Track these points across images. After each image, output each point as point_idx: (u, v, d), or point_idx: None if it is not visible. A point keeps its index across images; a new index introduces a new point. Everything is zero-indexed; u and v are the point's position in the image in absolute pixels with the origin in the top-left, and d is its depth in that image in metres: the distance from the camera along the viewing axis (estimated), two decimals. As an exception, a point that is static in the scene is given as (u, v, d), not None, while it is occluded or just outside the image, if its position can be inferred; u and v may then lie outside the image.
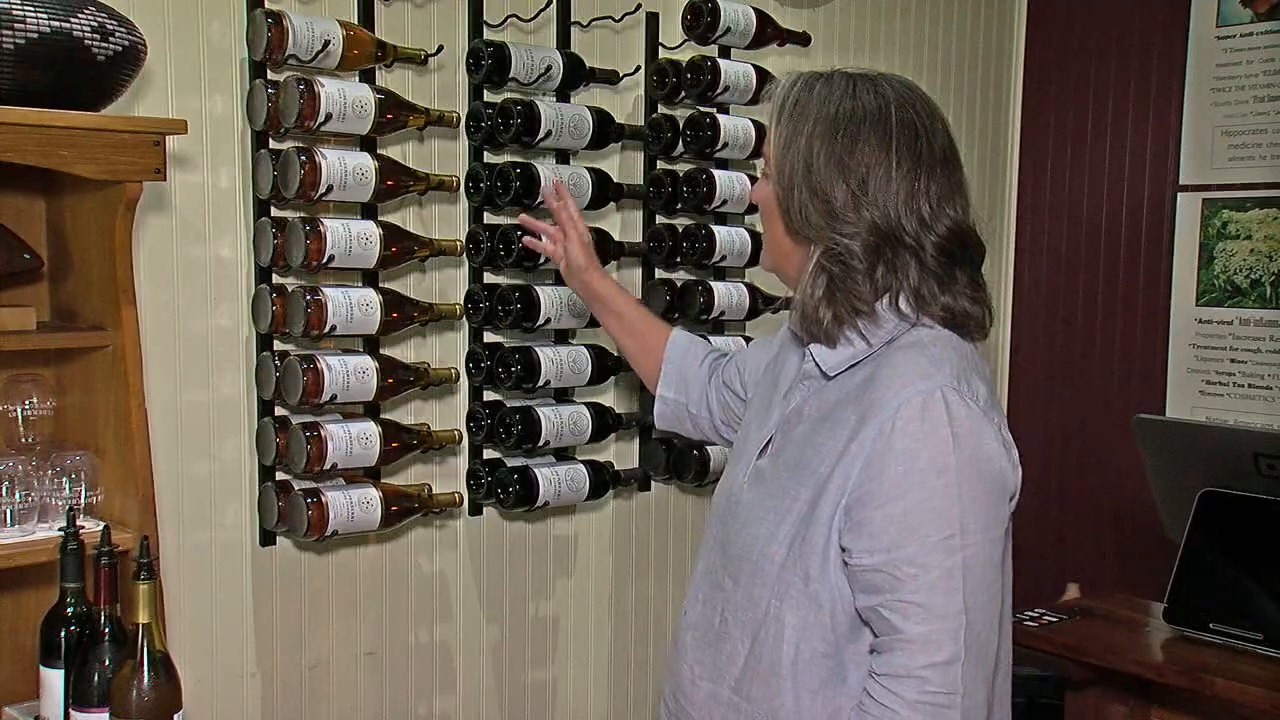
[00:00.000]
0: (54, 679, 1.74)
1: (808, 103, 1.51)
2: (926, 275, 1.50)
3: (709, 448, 2.76)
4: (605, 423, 2.62)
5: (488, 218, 2.54)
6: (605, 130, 2.56)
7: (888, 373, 1.47)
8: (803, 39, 2.89)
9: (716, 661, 1.57)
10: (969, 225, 1.53)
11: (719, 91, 2.71)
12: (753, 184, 2.14)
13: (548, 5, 2.58)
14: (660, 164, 2.78)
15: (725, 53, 2.81)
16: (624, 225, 2.78)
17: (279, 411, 2.30)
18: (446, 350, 2.55)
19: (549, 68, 2.48)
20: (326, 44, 2.19)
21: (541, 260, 2.46)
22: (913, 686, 1.40)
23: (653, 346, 2.02)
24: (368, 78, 2.31)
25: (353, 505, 2.26)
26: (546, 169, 2.48)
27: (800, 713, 1.49)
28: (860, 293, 1.49)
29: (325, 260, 2.18)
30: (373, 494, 2.30)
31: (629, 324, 2.06)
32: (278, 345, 2.29)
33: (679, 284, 2.74)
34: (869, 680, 1.45)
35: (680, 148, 2.72)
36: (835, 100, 1.49)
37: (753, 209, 2.72)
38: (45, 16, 1.65)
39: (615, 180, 2.63)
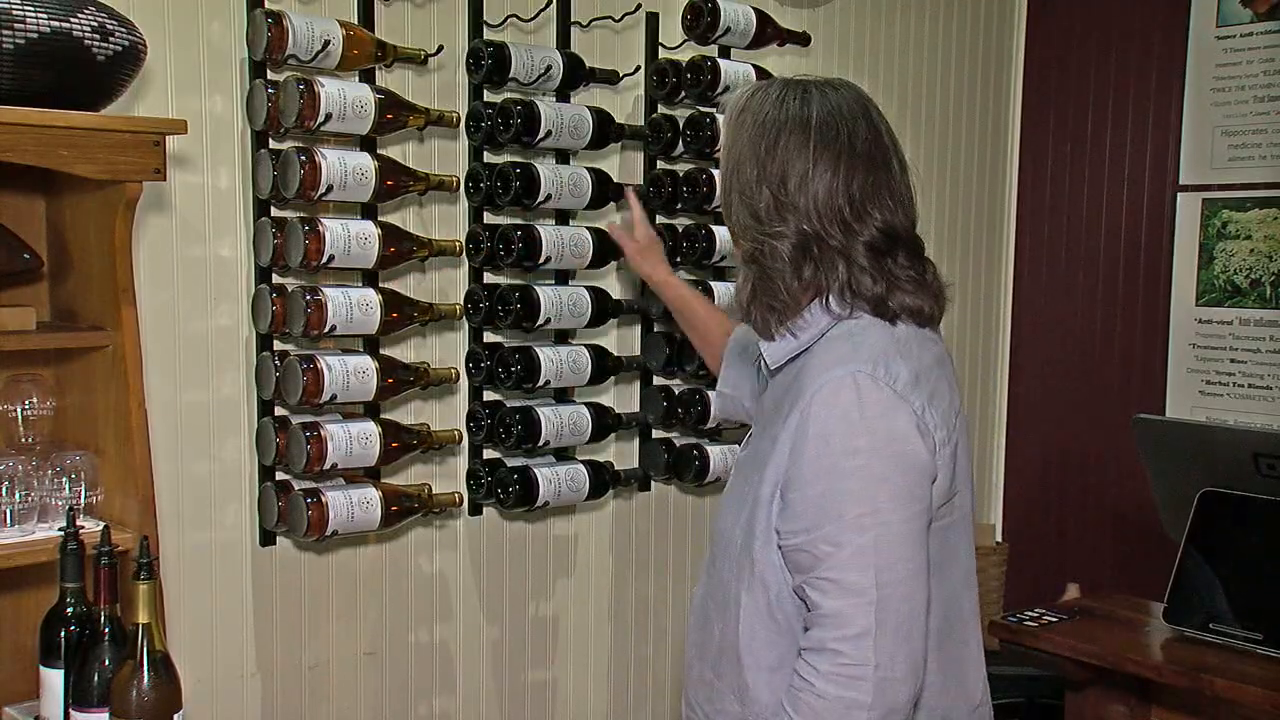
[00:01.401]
0: (54, 679, 1.73)
1: (743, 113, 1.59)
2: (857, 272, 1.55)
3: (708, 448, 2.77)
4: (605, 423, 2.62)
5: (487, 218, 2.54)
6: (605, 130, 2.56)
7: (813, 363, 1.54)
8: (803, 39, 2.89)
9: (704, 643, 1.66)
10: (900, 223, 1.57)
11: (719, 92, 2.71)
12: None
13: (548, 5, 2.58)
14: (660, 164, 2.78)
15: (725, 53, 2.81)
16: (624, 225, 2.77)
17: (279, 411, 2.30)
18: (446, 350, 2.55)
19: (549, 68, 2.48)
20: (326, 44, 2.19)
21: (542, 260, 2.47)
22: (827, 659, 1.45)
23: (715, 341, 2.18)
24: (368, 78, 2.31)
25: (353, 505, 2.26)
26: (546, 169, 2.48)
27: (759, 690, 1.56)
28: (779, 291, 1.56)
29: (324, 260, 2.18)
30: (372, 494, 2.30)
31: (696, 320, 2.29)
32: (278, 345, 2.29)
33: (679, 284, 2.74)
34: (796, 657, 1.51)
35: (680, 148, 2.72)
36: (765, 108, 1.57)
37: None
38: (45, 16, 1.65)
39: (615, 180, 2.63)
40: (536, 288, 2.50)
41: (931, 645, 1.54)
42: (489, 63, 2.43)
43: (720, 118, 2.71)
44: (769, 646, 1.56)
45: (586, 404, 2.61)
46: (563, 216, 2.60)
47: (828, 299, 1.55)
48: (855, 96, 1.59)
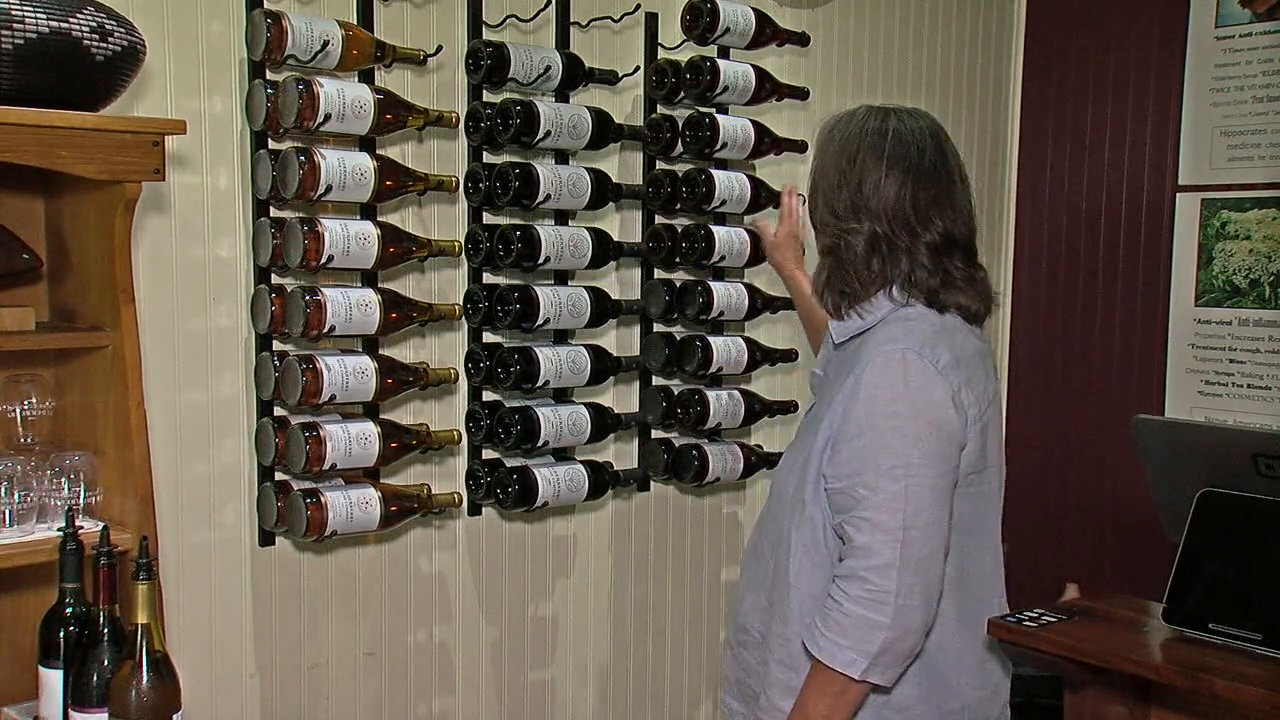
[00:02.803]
0: (53, 679, 1.74)
1: (833, 131, 1.89)
2: (918, 268, 1.82)
3: (707, 449, 2.77)
4: (604, 423, 2.62)
5: (487, 218, 2.54)
6: (604, 130, 2.56)
7: (870, 341, 1.81)
8: (802, 39, 2.89)
9: (757, 576, 1.92)
10: (959, 231, 1.84)
11: (718, 92, 2.71)
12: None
13: (547, 5, 2.58)
14: (659, 164, 2.78)
15: (724, 53, 2.81)
16: (623, 225, 2.78)
17: (278, 412, 2.30)
18: (445, 350, 2.55)
19: (548, 68, 2.48)
20: (326, 44, 2.19)
21: (541, 261, 2.47)
22: (855, 585, 1.71)
23: (818, 327, 2.35)
24: (367, 78, 2.31)
25: (352, 506, 2.26)
26: (545, 169, 2.48)
27: (804, 613, 1.81)
28: (851, 279, 1.84)
29: (323, 260, 2.18)
30: (372, 494, 2.29)
31: (804, 308, 2.45)
32: (277, 345, 2.29)
33: (678, 284, 2.74)
34: (830, 582, 1.76)
35: (679, 148, 2.72)
36: (850, 129, 1.86)
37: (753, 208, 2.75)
38: (44, 17, 1.65)
39: (614, 180, 2.63)
40: (536, 288, 2.50)
41: (947, 590, 1.79)
42: (488, 63, 2.43)
43: (721, 118, 2.72)
44: (813, 578, 1.80)
45: (586, 404, 2.61)
46: (562, 217, 2.60)
47: (891, 289, 1.82)
48: (929, 123, 1.87)
